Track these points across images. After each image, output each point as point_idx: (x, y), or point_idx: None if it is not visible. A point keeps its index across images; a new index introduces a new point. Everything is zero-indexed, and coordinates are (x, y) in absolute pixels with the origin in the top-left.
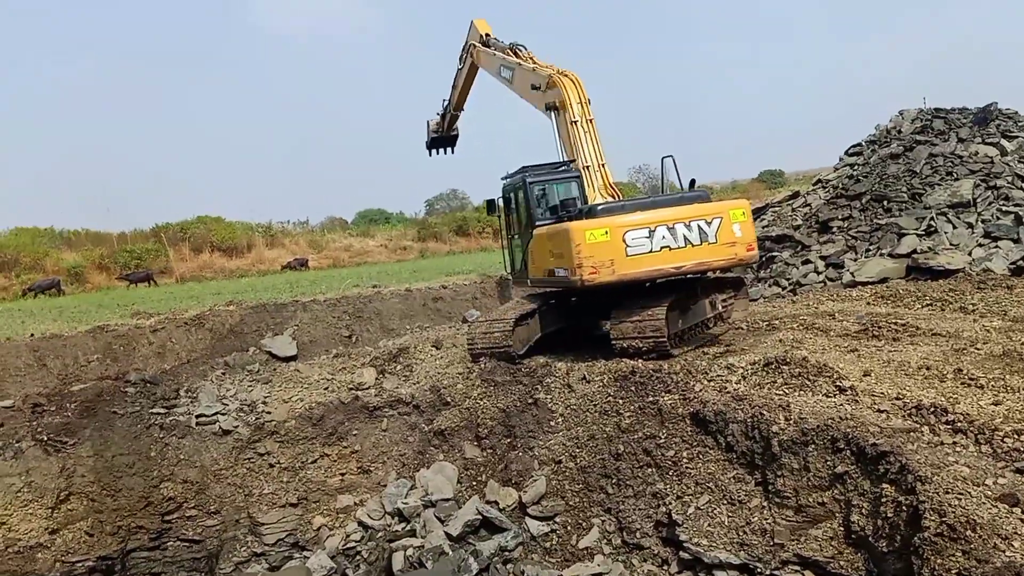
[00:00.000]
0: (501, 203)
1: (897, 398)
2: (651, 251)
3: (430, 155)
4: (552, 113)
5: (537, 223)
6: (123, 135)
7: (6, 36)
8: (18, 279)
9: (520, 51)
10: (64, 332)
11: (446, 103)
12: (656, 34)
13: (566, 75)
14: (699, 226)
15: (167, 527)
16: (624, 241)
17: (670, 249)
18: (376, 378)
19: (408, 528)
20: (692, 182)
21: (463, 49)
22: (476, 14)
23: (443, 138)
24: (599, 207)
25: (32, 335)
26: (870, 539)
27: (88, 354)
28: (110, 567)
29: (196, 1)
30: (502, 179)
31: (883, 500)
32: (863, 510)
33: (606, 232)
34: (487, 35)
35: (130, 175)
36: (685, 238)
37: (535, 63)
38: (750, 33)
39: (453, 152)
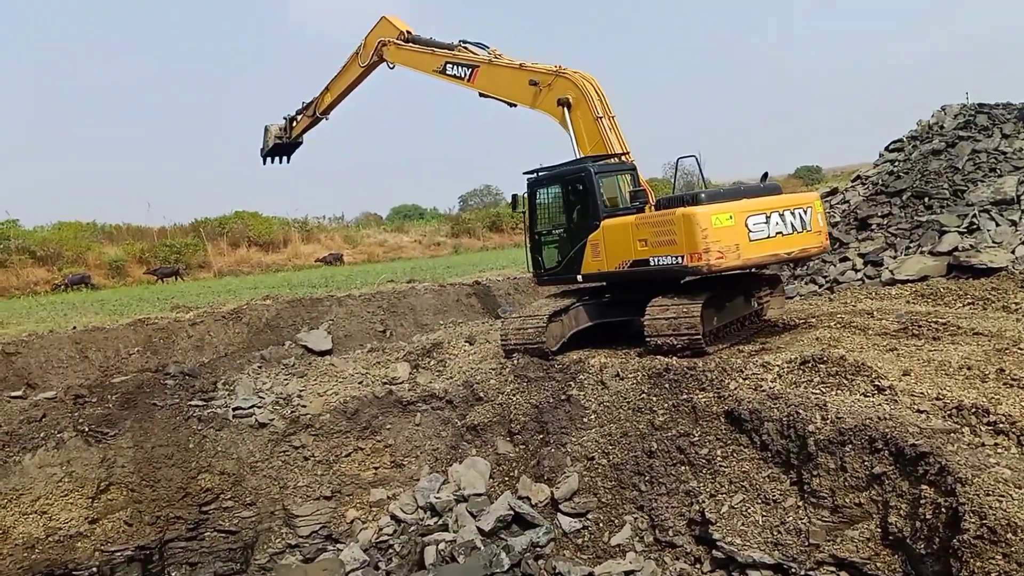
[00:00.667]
0: (526, 199)
1: (937, 398)
2: (768, 236)
3: (264, 163)
4: (565, 109)
5: (603, 215)
6: (164, 132)
7: (53, 37)
8: (60, 272)
9: (478, 49)
10: (106, 325)
11: (308, 105)
12: (691, 28)
13: (571, 73)
14: (800, 214)
15: (204, 518)
16: (747, 226)
17: (782, 235)
18: (410, 373)
19: (440, 522)
20: (765, 175)
21: (363, 47)
22: (501, 9)
23: (285, 145)
24: (701, 195)
25: (74, 327)
26: (908, 541)
27: (129, 346)
28: (148, 556)
29: (236, 3)
30: (530, 174)
31: (922, 501)
32: (901, 511)
33: (731, 217)
34: (408, 32)
35: (171, 171)
36: (792, 225)
37: (526, 63)
38: (787, 24)
39: (289, 162)
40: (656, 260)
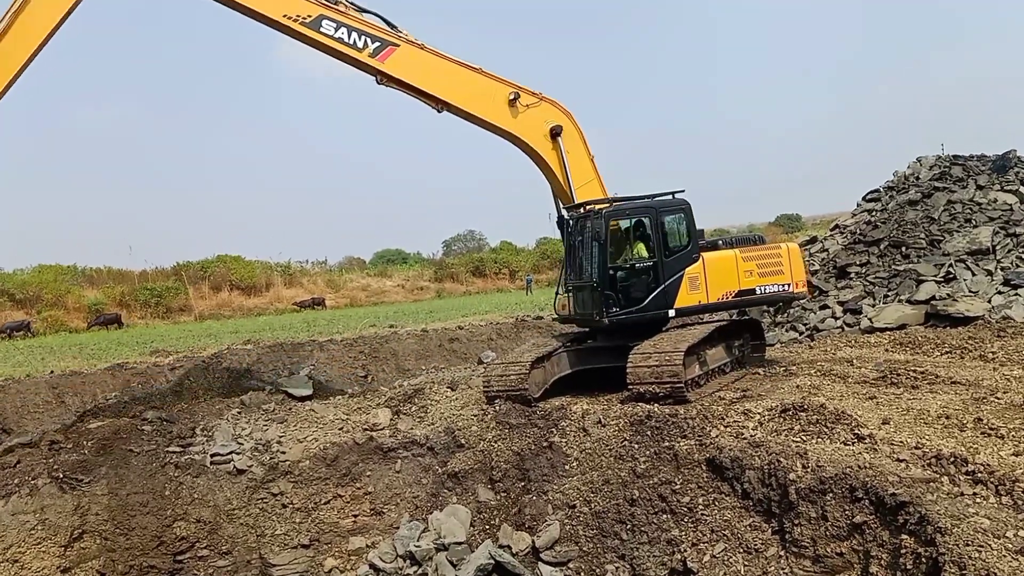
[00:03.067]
0: (601, 231)
1: (916, 447)
2: None
3: None
4: (555, 140)
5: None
6: (147, 175)
7: (34, 79)
8: (39, 315)
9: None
10: (83, 369)
11: None
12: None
13: (555, 100)
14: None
15: (179, 567)
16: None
17: None
18: (391, 419)
19: (420, 571)
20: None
21: None
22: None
23: None
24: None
25: (52, 372)
26: None
27: (106, 391)
28: None
29: (219, 45)
30: (579, 208)
31: (903, 551)
32: (882, 561)
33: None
34: None
35: (153, 214)
36: None
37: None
38: (767, 76)
39: None
40: (766, 288)
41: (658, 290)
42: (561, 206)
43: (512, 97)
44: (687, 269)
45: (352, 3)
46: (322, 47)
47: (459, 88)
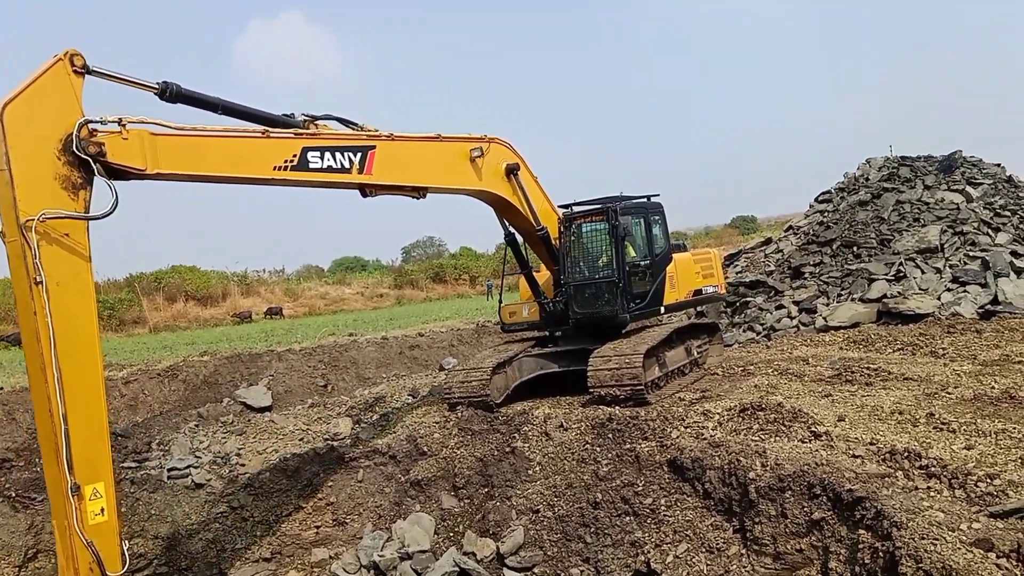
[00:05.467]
0: (609, 230)
1: (871, 443)
2: None
3: None
4: (512, 177)
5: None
6: (99, 184)
7: None
8: None
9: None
10: None
11: None
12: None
13: (495, 136)
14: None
15: None
16: None
17: None
18: (352, 428)
19: None
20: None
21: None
22: (453, 63)
23: None
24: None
25: (1, 388)
26: None
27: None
28: None
29: (177, 44)
30: (583, 208)
31: (860, 546)
32: (841, 556)
33: None
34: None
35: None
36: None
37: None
38: (722, 82)
39: None
40: (705, 289)
41: (654, 287)
42: (507, 223)
43: (474, 155)
44: (667, 268)
45: (308, 116)
46: (312, 184)
47: (434, 170)
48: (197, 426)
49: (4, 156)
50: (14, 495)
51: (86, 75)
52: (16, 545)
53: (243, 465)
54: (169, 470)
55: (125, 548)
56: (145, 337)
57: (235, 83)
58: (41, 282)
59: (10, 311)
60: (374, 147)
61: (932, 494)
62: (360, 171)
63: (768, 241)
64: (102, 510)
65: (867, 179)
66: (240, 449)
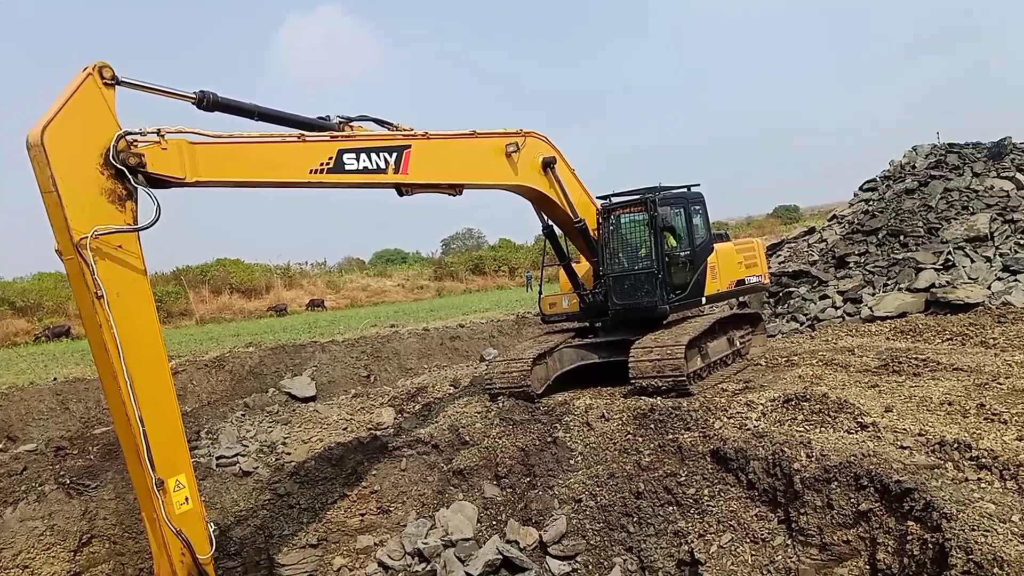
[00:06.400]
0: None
1: (920, 434)
2: None
3: None
4: (549, 170)
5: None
6: None
7: (26, 79)
8: (40, 323)
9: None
10: (86, 376)
11: None
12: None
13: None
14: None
15: None
16: None
17: None
18: (395, 418)
19: (428, 568)
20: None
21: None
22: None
23: None
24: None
25: (55, 379)
26: None
27: None
28: None
29: (224, 48)
30: (622, 199)
31: (909, 538)
32: (889, 548)
33: None
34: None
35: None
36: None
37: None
38: (766, 71)
39: None
40: (749, 279)
41: (694, 278)
42: (544, 216)
43: (510, 150)
44: (708, 259)
45: (343, 118)
46: (348, 186)
47: (470, 166)
48: (244, 415)
49: (50, 179)
50: (68, 482)
51: (116, 86)
52: (71, 531)
53: (289, 454)
54: (218, 458)
55: (211, 531)
56: (192, 329)
57: (272, 80)
58: (102, 295)
59: (60, 304)
60: (409, 146)
61: (983, 485)
62: (396, 171)
63: (812, 230)
64: (186, 499)
65: (914, 167)
66: (286, 438)
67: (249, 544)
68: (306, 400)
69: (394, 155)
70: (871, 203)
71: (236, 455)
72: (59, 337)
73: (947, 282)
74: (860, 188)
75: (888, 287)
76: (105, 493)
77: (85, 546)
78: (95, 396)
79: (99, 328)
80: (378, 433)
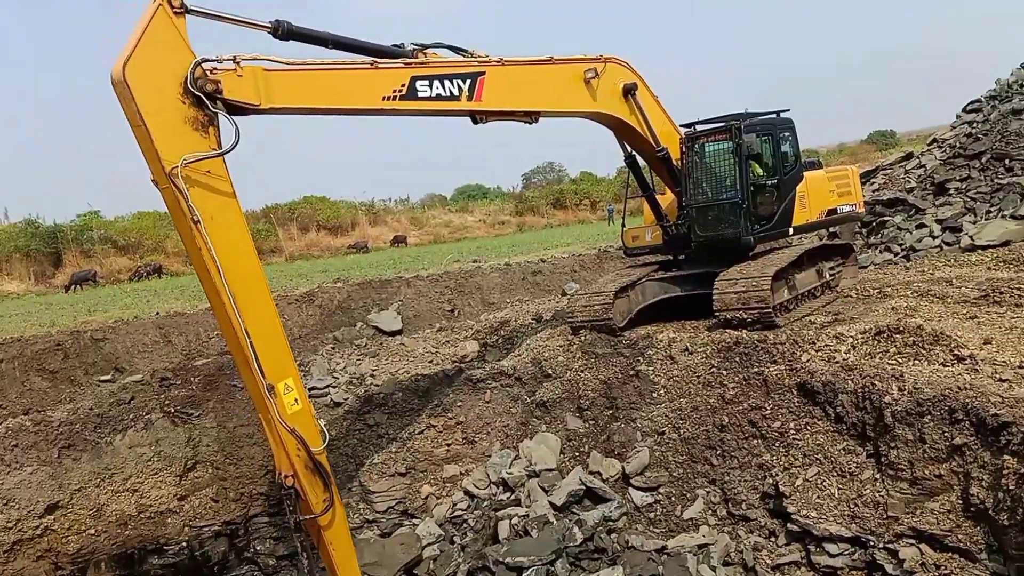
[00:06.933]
0: (735, 148)
1: (1020, 367)
2: None
3: None
4: (630, 97)
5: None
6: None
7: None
8: (142, 260)
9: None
10: (187, 310)
11: None
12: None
13: (612, 56)
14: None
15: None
16: None
17: None
18: (478, 351)
19: (513, 497)
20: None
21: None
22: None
23: None
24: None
25: (157, 313)
26: (990, 512)
27: (209, 330)
28: (234, 532)
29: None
30: (706, 127)
31: (1004, 472)
32: (983, 482)
33: None
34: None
35: (241, 157)
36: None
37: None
38: None
39: None
40: (841, 209)
41: (781, 208)
42: (626, 145)
43: (589, 77)
44: (797, 188)
45: (418, 45)
46: (421, 113)
47: (546, 93)
48: (333, 348)
49: (136, 113)
50: (173, 411)
51: (187, 15)
52: (176, 457)
53: (377, 385)
54: (309, 389)
55: (322, 425)
56: (282, 265)
57: (355, 15)
58: (198, 220)
59: (159, 242)
60: (483, 73)
61: None
62: (470, 98)
63: (909, 156)
64: (296, 400)
65: (1022, 85)
66: (374, 370)
67: (341, 471)
68: (393, 334)
69: (468, 82)
70: (975, 125)
71: (327, 386)
72: (150, 275)
73: None
74: (963, 109)
75: (991, 214)
76: (207, 421)
77: (190, 471)
78: (195, 330)
79: (199, 251)
80: (462, 366)
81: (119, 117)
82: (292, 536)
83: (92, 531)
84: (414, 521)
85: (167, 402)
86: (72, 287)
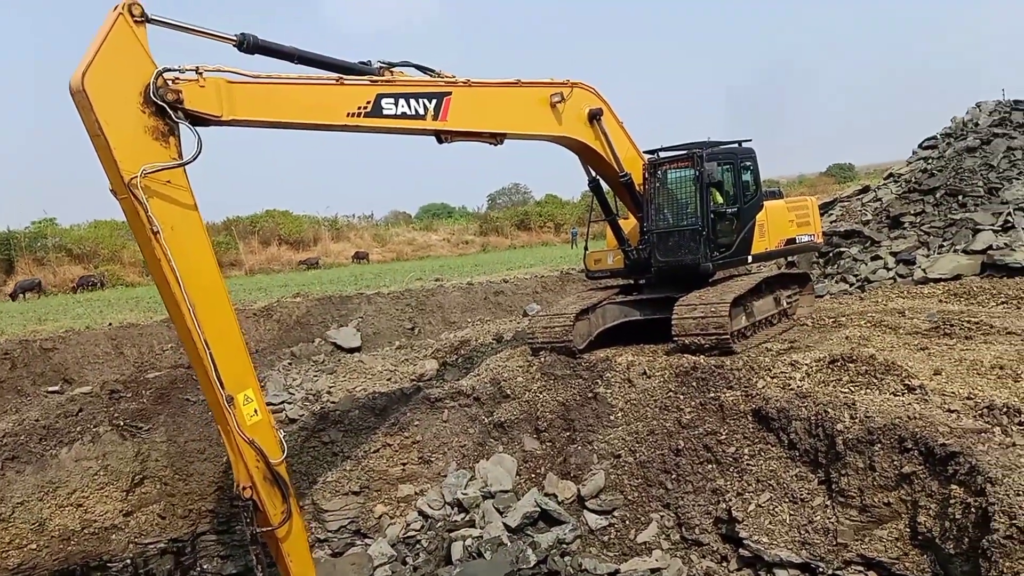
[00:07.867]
0: (695, 176)
1: (968, 398)
2: None
3: None
4: (595, 124)
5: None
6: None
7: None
8: (96, 270)
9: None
10: (140, 321)
11: None
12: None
13: (578, 81)
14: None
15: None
16: None
17: None
18: (438, 370)
19: (467, 518)
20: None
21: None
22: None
23: None
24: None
25: (110, 324)
26: (937, 541)
27: (163, 343)
28: (181, 549)
29: (271, 4)
30: (669, 153)
31: (951, 501)
32: (930, 511)
33: None
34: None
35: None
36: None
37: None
38: (822, 26)
39: None
40: (800, 238)
41: (741, 236)
42: (590, 169)
43: (555, 101)
44: (757, 217)
45: (384, 64)
46: (385, 131)
47: (512, 115)
48: (290, 364)
49: (96, 123)
50: (122, 424)
51: (148, 24)
52: (124, 471)
53: (334, 402)
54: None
55: (281, 437)
56: (241, 279)
57: (325, 32)
58: (157, 230)
59: (116, 252)
60: (450, 93)
61: None
62: (435, 117)
63: (866, 189)
64: (256, 411)
65: (976, 124)
66: (331, 387)
67: (294, 489)
68: (351, 351)
69: (434, 101)
70: (930, 161)
71: (282, 402)
72: (92, 287)
73: (1005, 244)
74: (919, 145)
75: (943, 248)
76: (157, 435)
77: (137, 486)
78: (148, 342)
79: (159, 262)
80: (421, 384)
81: (79, 123)
82: (247, 550)
83: (33, 546)
84: (367, 541)
85: (116, 415)
86: (17, 295)
